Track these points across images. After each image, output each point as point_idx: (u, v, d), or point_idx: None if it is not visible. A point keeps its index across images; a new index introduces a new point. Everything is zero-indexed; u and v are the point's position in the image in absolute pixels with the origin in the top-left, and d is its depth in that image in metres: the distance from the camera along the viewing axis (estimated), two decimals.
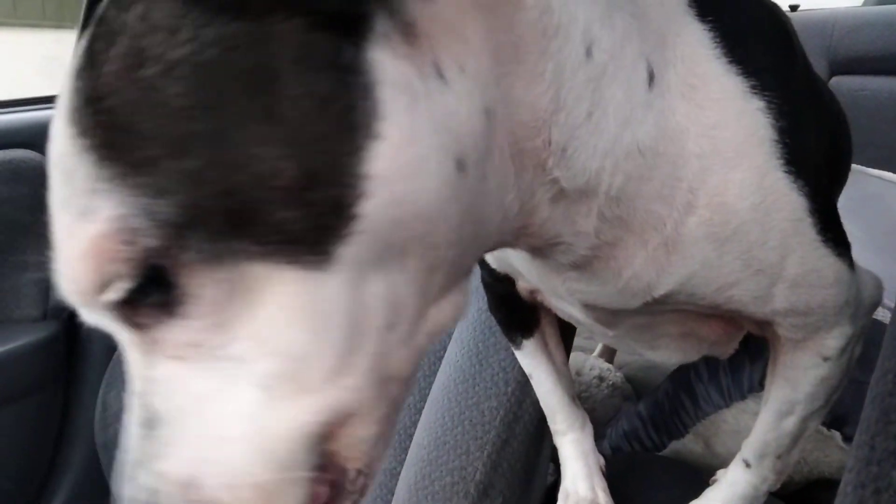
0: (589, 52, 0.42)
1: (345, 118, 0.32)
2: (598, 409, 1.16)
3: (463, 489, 0.77)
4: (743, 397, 0.91)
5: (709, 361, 0.93)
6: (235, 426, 0.33)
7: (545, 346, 0.76)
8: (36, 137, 1.26)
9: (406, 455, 0.85)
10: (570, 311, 0.64)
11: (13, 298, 1.25)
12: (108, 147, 0.31)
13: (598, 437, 1.02)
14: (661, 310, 0.57)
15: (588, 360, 1.25)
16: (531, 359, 0.76)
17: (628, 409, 1.07)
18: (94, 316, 0.34)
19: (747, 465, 0.68)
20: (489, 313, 0.84)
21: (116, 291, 0.32)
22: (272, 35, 0.31)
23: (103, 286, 0.32)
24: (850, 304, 0.55)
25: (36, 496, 1.26)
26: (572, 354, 1.18)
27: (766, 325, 0.57)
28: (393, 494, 0.82)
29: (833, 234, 0.51)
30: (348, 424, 0.36)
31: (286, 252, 0.32)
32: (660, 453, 0.97)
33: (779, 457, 0.66)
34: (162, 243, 0.31)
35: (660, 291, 0.52)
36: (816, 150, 0.51)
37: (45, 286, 1.27)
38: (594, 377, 1.20)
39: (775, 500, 0.82)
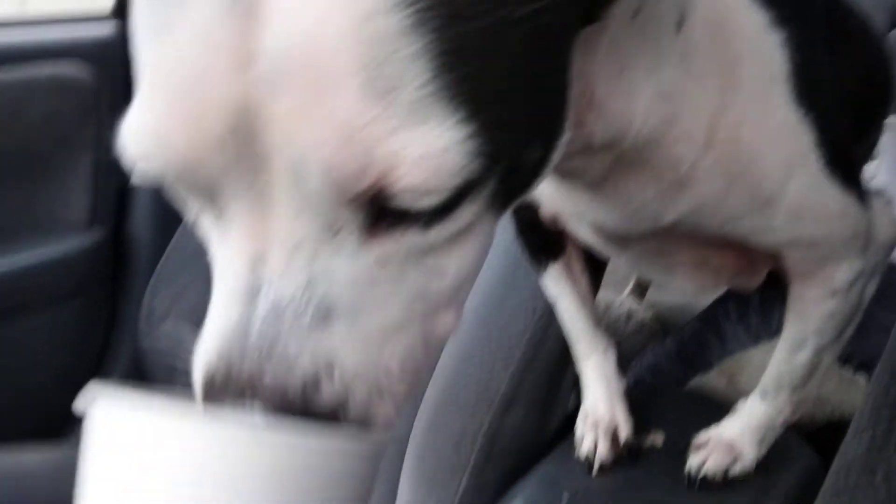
0: (636, 11, 0.42)
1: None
2: (624, 344, 1.18)
3: (487, 402, 0.79)
4: (771, 337, 0.91)
5: (739, 300, 0.93)
6: (403, 328, 0.35)
7: (570, 272, 0.77)
8: (83, 50, 1.28)
9: (433, 371, 0.88)
10: (583, 233, 0.65)
11: (63, 206, 1.30)
12: (457, 66, 0.29)
13: (623, 371, 1.04)
14: (667, 236, 0.58)
15: (617, 297, 1.26)
16: (555, 284, 0.78)
17: (654, 345, 1.08)
18: (305, 200, 0.31)
19: (764, 396, 0.70)
20: (517, 241, 0.86)
21: (415, 202, 0.31)
22: None
23: (386, 193, 0.30)
24: (857, 237, 0.55)
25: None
26: (603, 291, 1.19)
27: (776, 257, 0.58)
28: (419, 404, 0.86)
29: (841, 167, 0.52)
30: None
31: (503, 202, 0.36)
32: (682, 388, 0.99)
33: (794, 389, 0.68)
34: (479, 175, 0.31)
35: (666, 220, 0.53)
36: (832, 88, 0.52)
37: (94, 194, 1.32)
38: (622, 313, 1.21)
39: (797, 437, 0.84)
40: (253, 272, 0.33)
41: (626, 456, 0.77)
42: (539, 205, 0.68)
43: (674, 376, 0.98)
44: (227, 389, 0.33)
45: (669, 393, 0.93)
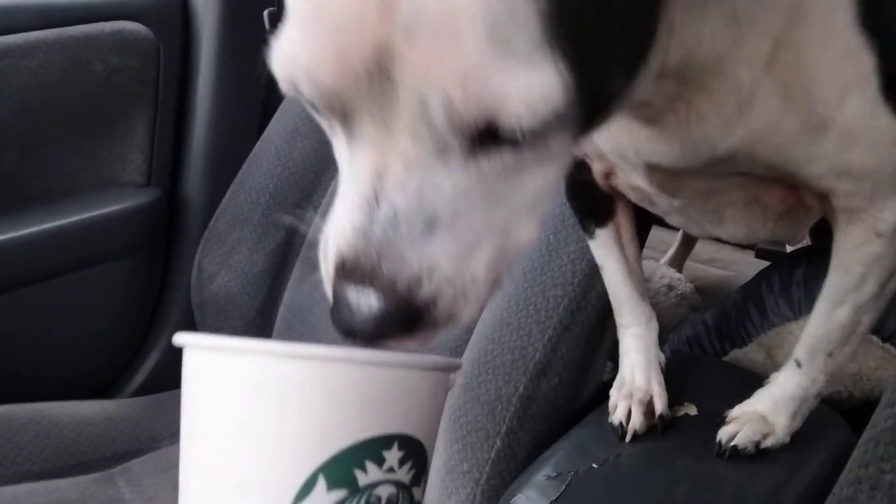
0: None
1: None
2: (664, 315, 1.17)
3: (522, 366, 0.81)
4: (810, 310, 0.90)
5: (783, 273, 0.92)
6: (488, 236, 0.41)
7: (618, 238, 0.77)
8: (144, 11, 1.31)
9: (470, 336, 0.90)
10: (636, 180, 0.66)
11: (121, 164, 1.34)
12: (559, 21, 0.35)
13: (661, 343, 1.04)
14: (721, 171, 0.59)
15: (659, 267, 1.25)
16: (603, 249, 0.78)
17: (693, 317, 1.08)
18: (424, 127, 0.37)
19: (798, 364, 0.69)
20: (562, 207, 0.86)
21: (515, 129, 0.36)
22: None
23: (493, 123, 0.36)
24: None
25: (137, 347, 1.39)
26: (645, 262, 1.19)
27: (823, 197, 0.58)
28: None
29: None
30: None
31: (584, 128, 0.41)
32: (720, 360, 0.98)
33: (830, 355, 0.67)
34: (571, 106, 0.36)
35: (723, 149, 0.54)
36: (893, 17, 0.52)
37: (150, 154, 1.36)
38: (663, 285, 1.21)
39: (831, 411, 0.83)
40: (376, 184, 0.39)
41: (660, 427, 0.77)
42: (591, 163, 0.68)
43: (712, 348, 0.98)
44: (353, 274, 0.39)
45: (706, 365, 0.93)
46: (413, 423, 0.37)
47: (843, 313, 0.63)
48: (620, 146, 0.62)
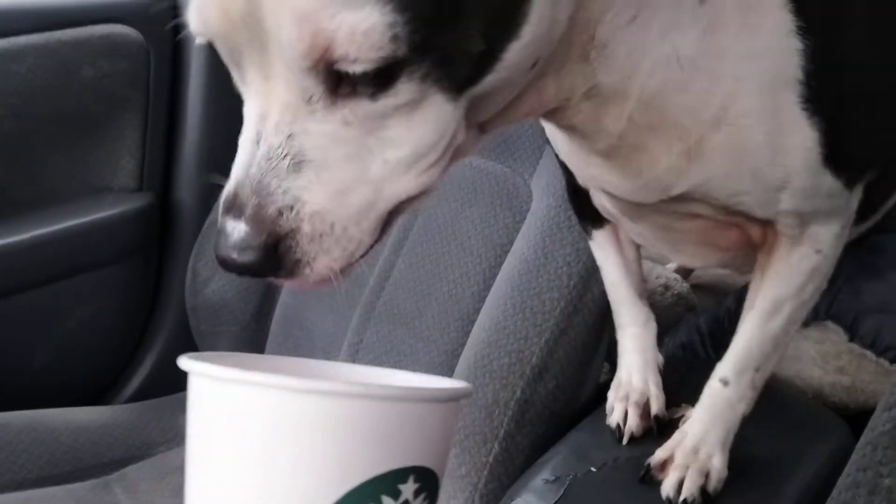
0: None
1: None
2: (661, 315, 1.17)
3: (519, 370, 0.81)
4: (807, 324, 0.91)
5: None
6: (360, 185, 0.44)
7: (616, 240, 0.78)
8: (133, 14, 1.30)
9: (467, 339, 0.90)
10: (602, 200, 0.68)
11: (112, 169, 1.33)
12: None
13: (658, 344, 1.04)
14: (678, 211, 0.62)
15: (655, 268, 1.25)
16: (600, 250, 0.79)
17: (689, 320, 1.08)
18: (287, 70, 0.41)
19: (725, 383, 0.68)
20: (557, 210, 0.86)
21: (350, 67, 0.40)
22: None
23: (331, 60, 0.40)
24: (837, 209, 0.61)
25: (131, 353, 1.38)
26: (642, 262, 1.19)
27: (767, 224, 0.62)
28: (453, 372, 0.87)
29: (841, 160, 0.56)
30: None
31: (448, 86, 0.43)
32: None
33: (757, 369, 0.67)
34: (403, 55, 0.40)
35: (676, 191, 0.57)
36: (845, 92, 0.55)
37: (142, 159, 1.35)
38: (659, 285, 1.21)
39: (830, 412, 0.83)
40: (258, 126, 0.44)
41: (656, 429, 0.77)
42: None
43: (706, 355, 0.98)
44: (231, 207, 0.44)
45: (703, 368, 0.93)
46: (428, 454, 0.37)
47: (776, 324, 0.65)
48: (578, 169, 0.65)
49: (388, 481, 0.35)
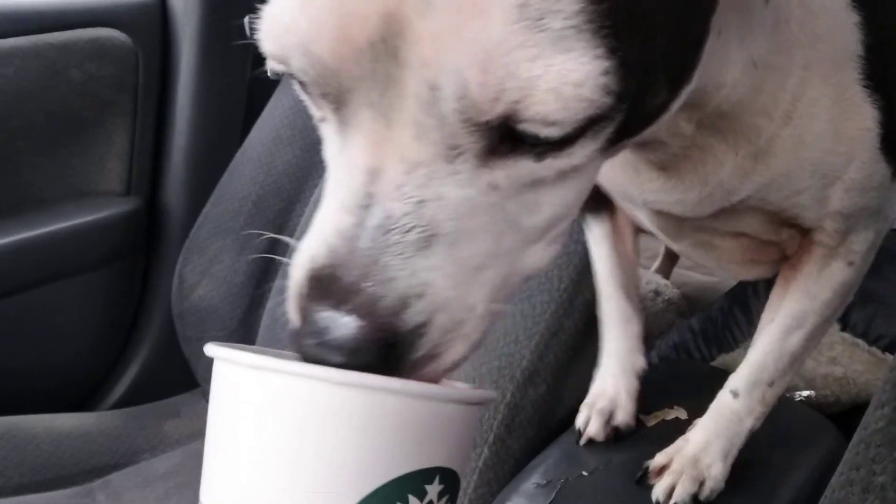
0: None
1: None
2: (651, 322, 1.17)
3: (509, 374, 0.80)
4: None
5: (769, 280, 0.92)
6: (494, 260, 0.36)
7: (613, 232, 0.76)
8: (122, 17, 1.30)
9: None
10: (639, 217, 0.66)
11: (99, 173, 1.32)
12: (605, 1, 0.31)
13: (648, 349, 1.04)
14: (720, 227, 0.60)
15: (646, 274, 1.25)
16: (595, 244, 0.77)
17: (680, 323, 1.08)
18: (432, 120, 0.32)
19: (735, 395, 0.66)
20: None
21: (542, 130, 0.32)
22: None
23: (517, 119, 0.31)
24: (882, 209, 0.58)
25: (116, 359, 1.36)
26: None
27: (804, 234, 0.60)
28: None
29: (892, 146, 0.54)
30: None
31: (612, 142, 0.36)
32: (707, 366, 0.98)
33: (771, 384, 0.65)
34: (606, 112, 0.32)
35: (738, 197, 0.55)
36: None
37: (130, 162, 1.34)
38: (650, 291, 1.21)
39: (821, 416, 0.83)
40: (368, 185, 0.34)
41: (613, 437, 0.76)
42: None
43: (699, 354, 0.98)
44: (328, 290, 0.34)
45: (695, 369, 0.93)
46: (453, 456, 0.37)
47: (796, 339, 0.63)
48: (625, 190, 0.61)
49: (416, 481, 0.35)
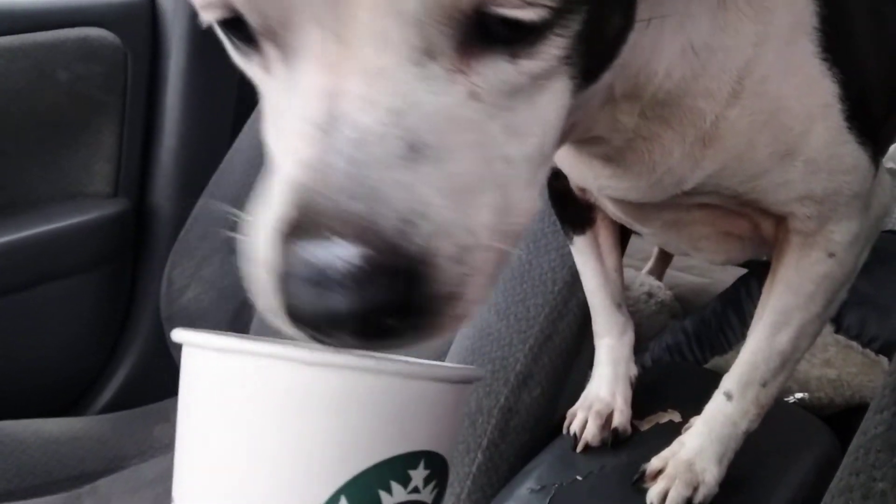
0: None
1: None
2: (643, 324, 1.17)
3: (503, 377, 0.79)
4: None
5: (761, 279, 0.92)
6: (487, 188, 0.32)
7: (597, 247, 0.76)
8: (110, 17, 1.28)
9: (449, 346, 0.88)
10: (606, 205, 0.65)
11: (87, 174, 1.31)
12: None
13: (641, 351, 1.03)
14: (686, 203, 0.58)
15: (639, 276, 1.25)
16: (581, 256, 0.77)
17: (673, 325, 1.08)
18: (398, 20, 0.29)
19: (728, 397, 0.65)
20: (542, 215, 0.85)
21: (518, 11, 0.30)
22: None
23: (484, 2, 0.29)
24: (860, 196, 0.55)
25: (104, 363, 1.35)
26: (624, 270, 1.18)
27: (780, 220, 0.58)
28: None
29: (861, 123, 0.52)
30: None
31: (577, 71, 0.35)
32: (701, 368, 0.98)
33: (764, 385, 0.64)
34: (574, 24, 0.32)
35: (689, 185, 0.53)
36: (862, 42, 0.52)
37: (118, 164, 1.33)
38: (643, 293, 1.20)
39: (816, 419, 0.83)
40: (329, 106, 0.30)
41: (610, 440, 0.75)
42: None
43: (693, 356, 0.98)
44: (312, 225, 0.28)
45: (688, 372, 0.93)
46: (439, 439, 0.35)
47: (784, 337, 0.61)
48: (583, 180, 0.61)
49: (399, 465, 0.33)
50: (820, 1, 0.49)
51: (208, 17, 0.32)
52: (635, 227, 0.70)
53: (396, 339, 0.30)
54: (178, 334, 0.34)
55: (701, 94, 0.49)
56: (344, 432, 0.32)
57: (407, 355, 0.37)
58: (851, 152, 0.53)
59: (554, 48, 0.32)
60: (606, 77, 0.40)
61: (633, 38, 0.41)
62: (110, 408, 1.31)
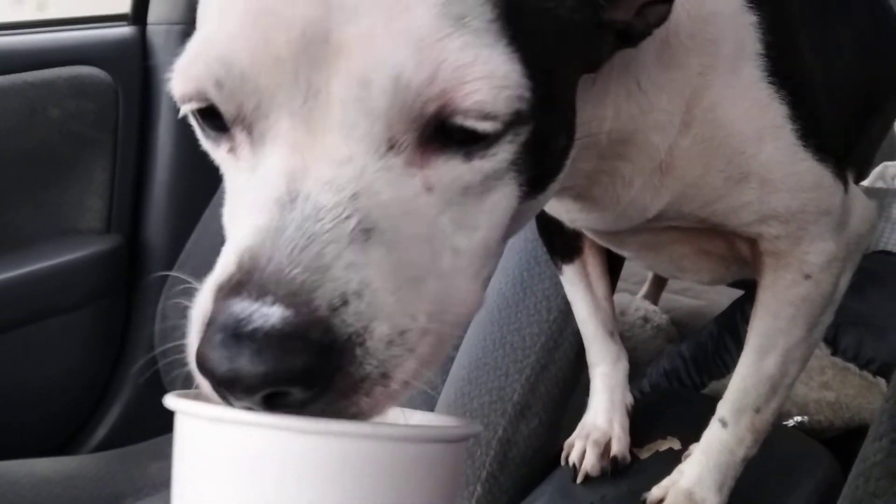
0: None
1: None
2: (640, 349, 1.17)
3: (500, 408, 0.79)
4: None
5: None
6: (431, 278, 0.34)
7: (586, 276, 0.77)
8: (101, 55, 1.29)
9: (446, 376, 0.88)
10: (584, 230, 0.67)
11: (78, 211, 1.31)
12: (509, 17, 0.33)
13: (639, 376, 1.03)
14: (653, 227, 0.59)
15: (634, 300, 1.25)
16: (570, 285, 0.78)
17: (670, 350, 1.07)
18: (363, 114, 0.32)
19: (724, 424, 0.65)
20: (535, 243, 0.85)
21: (478, 123, 0.33)
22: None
23: (452, 110, 0.32)
24: (831, 214, 0.56)
25: (98, 400, 1.33)
26: (619, 295, 1.18)
27: (753, 242, 0.58)
28: (433, 411, 0.85)
29: (818, 141, 0.53)
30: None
31: (525, 178, 0.38)
32: (699, 393, 0.97)
33: (757, 410, 0.63)
34: (530, 110, 0.34)
35: (652, 212, 0.55)
36: (809, 61, 0.54)
37: (110, 200, 1.32)
38: (639, 317, 1.20)
39: (816, 444, 0.83)
40: (291, 184, 0.32)
41: (610, 469, 0.75)
42: None
43: (691, 381, 0.97)
44: (248, 283, 0.29)
45: (686, 399, 0.92)
46: (438, 497, 0.34)
47: (771, 362, 0.61)
48: (556, 213, 0.64)
49: None
50: (763, 27, 0.50)
51: (186, 107, 0.35)
52: (611, 248, 0.71)
53: (302, 409, 0.31)
54: (171, 401, 0.33)
55: (651, 127, 0.51)
56: (341, 499, 0.31)
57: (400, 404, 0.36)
58: (810, 169, 0.53)
59: (504, 152, 0.35)
60: (553, 188, 0.42)
61: (582, 91, 0.43)
62: (105, 446, 1.29)
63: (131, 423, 1.31)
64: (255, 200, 0.32)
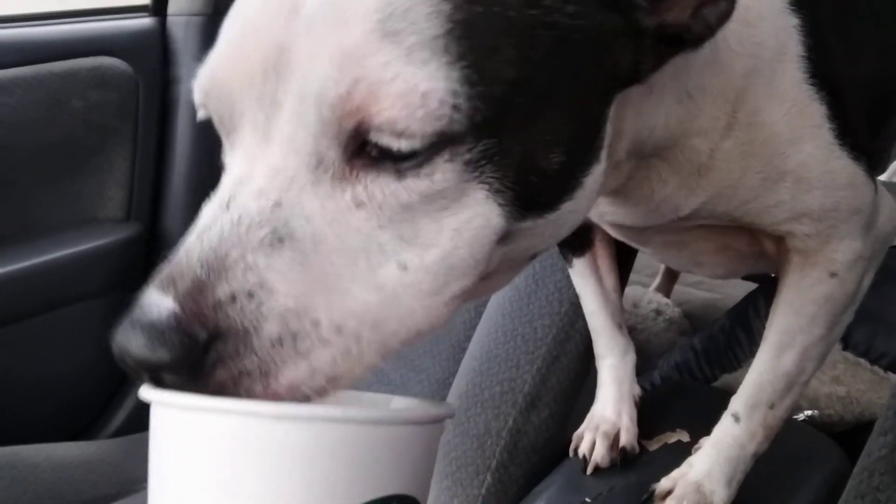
0: None
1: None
2: (652, 341, 1.17)
3: (511, 399, 0.80)
4: None
5: (768, 296, 0.92)
6: (361, 290, 0.35)
7: (595, 269, 0.77)
8: (122, 46, 1.31)
9: (458, 367, 0.89)
10: (605, 227, 0.67)
11: (99, 200, 1.32)
12: (462, 32, 0.33)
13: (650, 369, 1.03)
14: (684, 226, 0.59)
15: (647, 293, 1.25)
16: (580, 278, 0.78)
17: (682, 342, 1.08)
18: (299, 129, 0.34)
19: (736, 419, 0.65)
20: None
21: (393, 141, 0.33)
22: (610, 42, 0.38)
23: (368, 125, 0.33)
24: (861, 213, 0.56)
25: (116, 387, 1.35)
26: (631, 287, 1.18)
27: (780, 240, 0.58)
28: (446, 398, 0.86)
29: (853, 140, 0.53)
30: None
31: (499, 189, 0.36)
32: (710, 386, 0.98)
33: (771, 406, 0.63)
34: (465, 131, 0.34)
35: (685, 211, 0.55)
36: (848, 65, 0.54)
37: (130, 189, 1.34)
38: (652, 310, 1.20)
39: (825, 438, 0.83)
40: (233, 188, 0.35)
41: (619, 460, 0.75)
42: None
43: (702, 374, 0.98)
44: (160, 282, 0.33)
45: (696, 392, 0.93)
46: (409, 481, 0.35)
47: (789, 359, 0.61)
48: None
49: None
50: (804, 30, 0.51)
51: (200, 114, 0.40)
52: (632, 244, 0.71)
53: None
54: (145, 392, 0.34)
55: (696, 132, 0.51)
56: (311, 483, 0.32)
57: (408, 391, 0.36)
58: (845, 167, 0.54)
59: (445, 172, 0.35)
60: (568, 206, 0.40)
61: (635, 102, 0.44)
62: (123, 431, 1.31)
63: (149, 409, 1.33)
64: (210, 201, 0.36)
